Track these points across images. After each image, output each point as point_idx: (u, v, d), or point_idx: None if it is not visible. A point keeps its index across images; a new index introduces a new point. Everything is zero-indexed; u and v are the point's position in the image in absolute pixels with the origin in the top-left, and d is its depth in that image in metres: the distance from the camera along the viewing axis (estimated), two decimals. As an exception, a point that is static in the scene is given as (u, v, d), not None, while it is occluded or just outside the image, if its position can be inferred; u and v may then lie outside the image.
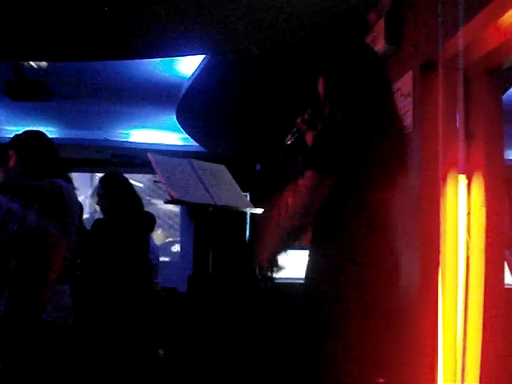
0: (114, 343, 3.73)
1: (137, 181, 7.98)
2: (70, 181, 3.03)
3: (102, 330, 3.72)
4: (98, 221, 4.11)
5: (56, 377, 2.88)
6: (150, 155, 3.07)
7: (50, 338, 2.83)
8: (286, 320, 2.30)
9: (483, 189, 2.68)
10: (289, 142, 2.62)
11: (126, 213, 3.99)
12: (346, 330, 2.21)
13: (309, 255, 2.32)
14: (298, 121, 2.56)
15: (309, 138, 2.58)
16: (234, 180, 3.25)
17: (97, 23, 3.96)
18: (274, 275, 2.43)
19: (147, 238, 4.23)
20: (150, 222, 4.25)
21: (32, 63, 4.99)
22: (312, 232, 2.33)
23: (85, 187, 8.32)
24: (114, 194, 4.02)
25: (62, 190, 2.90)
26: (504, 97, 2.90)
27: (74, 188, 3.05)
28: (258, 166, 7.15)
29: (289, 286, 2.90)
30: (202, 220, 7.54)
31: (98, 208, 4.30)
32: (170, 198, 2.96)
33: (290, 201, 2.80)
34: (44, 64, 5.04)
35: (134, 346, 3.83)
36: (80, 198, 3.49)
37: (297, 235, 2.34)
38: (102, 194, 4.06)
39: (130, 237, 3.97)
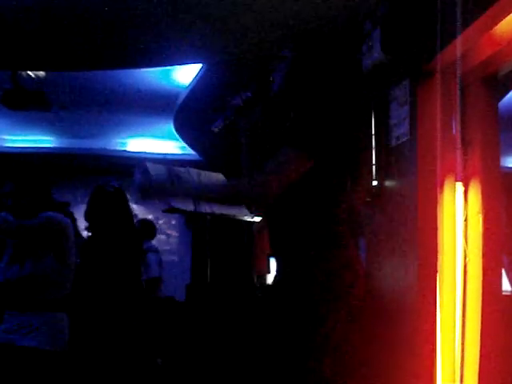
0: (111, 352, 3.73)
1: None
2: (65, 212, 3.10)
3: (100, 341, 3.72)
4: (88, 239, 4.09)
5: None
6: (147, 164, 3.07)
7: (46, 366, 2.86)
8: (284, 328, 2.30)
9: (480, 196, 2.69)
10: (217, 130, 2.49)
11: (114, 228, 3.95)
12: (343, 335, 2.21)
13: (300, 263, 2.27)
14: (233, 105, 2.46)
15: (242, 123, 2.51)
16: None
17: (93, 33, 3.97)
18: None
19: (138, 250, 4.20)
20: (149, 229, 4.22)
21: (30, 73, 5.00)
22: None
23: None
24: (101, 208, 3.98)
25: (60, 225, 2.96)
26: (500, 104, 2.91)
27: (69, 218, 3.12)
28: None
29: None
30: (199, 229, 7.54)
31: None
32: (167, 207, 2.97)
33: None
34: (42, 74, 5.05)
35: (133, 356, 3.82)
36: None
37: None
38: (91, 208, 4.03)
39: (120, 251, 3.94)
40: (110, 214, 3.93)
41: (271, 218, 2.40)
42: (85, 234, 4.05)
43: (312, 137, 2.21)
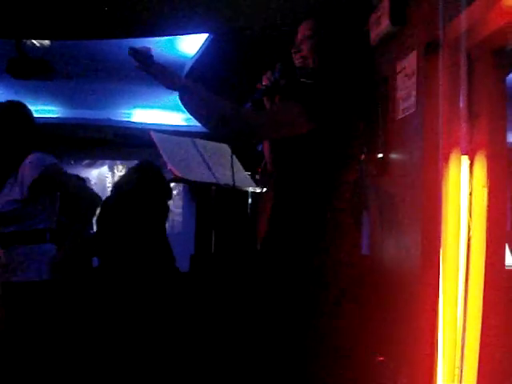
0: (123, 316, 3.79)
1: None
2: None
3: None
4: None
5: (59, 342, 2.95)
6: (152, 133, 3.07)
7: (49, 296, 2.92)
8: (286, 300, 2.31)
9: (485, 169, 2.68)
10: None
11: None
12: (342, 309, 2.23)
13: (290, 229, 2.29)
14: (260, 86, 2.49)
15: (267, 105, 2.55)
16: (236, 159, 3.25)
17: (98, 1, 3.94)
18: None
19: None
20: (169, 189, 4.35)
21: (34, 41, 4.98)
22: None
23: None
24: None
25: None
26: (508, 79, 2.89)
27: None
28: (260, 146, 7.15)
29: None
30: (204, 199, 7.55)
31: None
32: (173, 177, 2.97)
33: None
34: (46, 42, 5.03)
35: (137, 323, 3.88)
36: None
37: (217, 122, 2.27)
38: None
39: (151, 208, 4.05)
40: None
41: (276, 187, 2.41)
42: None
43: (321, 105, 2.22)
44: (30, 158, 2.98)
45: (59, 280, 2.97)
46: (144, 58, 2.25)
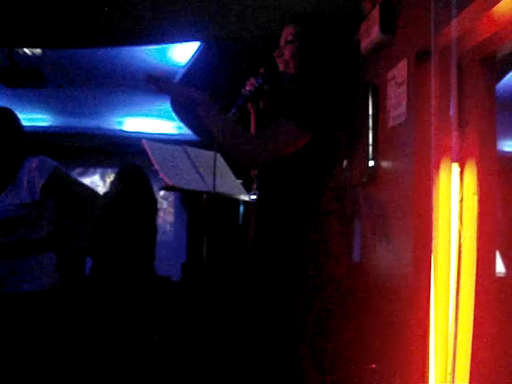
0: (111, 326, 3.78)
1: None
2: None
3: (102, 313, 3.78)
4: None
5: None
6: (143, 142, 3.08)
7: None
8: (278, 308, 2.32)
9: (476, 177, 2.70)
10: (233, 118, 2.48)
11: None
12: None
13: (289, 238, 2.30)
14: (245, 90, 2.50)
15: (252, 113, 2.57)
16: (228, 167, 3.26)
17: (90, 10, 3.94)
18: None
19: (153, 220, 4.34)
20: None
21: (26, 50, 4.97)
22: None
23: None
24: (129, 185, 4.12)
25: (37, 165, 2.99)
26: (498, 86, 2.91)
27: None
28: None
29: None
30: (195, 207, 7.53)
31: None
32: (164, 185, 2.98)
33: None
34: (38, 51, 5.03)
35: (130, 331, 3.87)
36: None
37: (228, 145, 2.29)
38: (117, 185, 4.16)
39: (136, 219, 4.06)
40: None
41: (263, 193, 2.42)
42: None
43: (310, 113, 2.23)
44: (34, 160, 2.96)
45: (63, 288, 2.97)
46: (163, 83, 2.27)
